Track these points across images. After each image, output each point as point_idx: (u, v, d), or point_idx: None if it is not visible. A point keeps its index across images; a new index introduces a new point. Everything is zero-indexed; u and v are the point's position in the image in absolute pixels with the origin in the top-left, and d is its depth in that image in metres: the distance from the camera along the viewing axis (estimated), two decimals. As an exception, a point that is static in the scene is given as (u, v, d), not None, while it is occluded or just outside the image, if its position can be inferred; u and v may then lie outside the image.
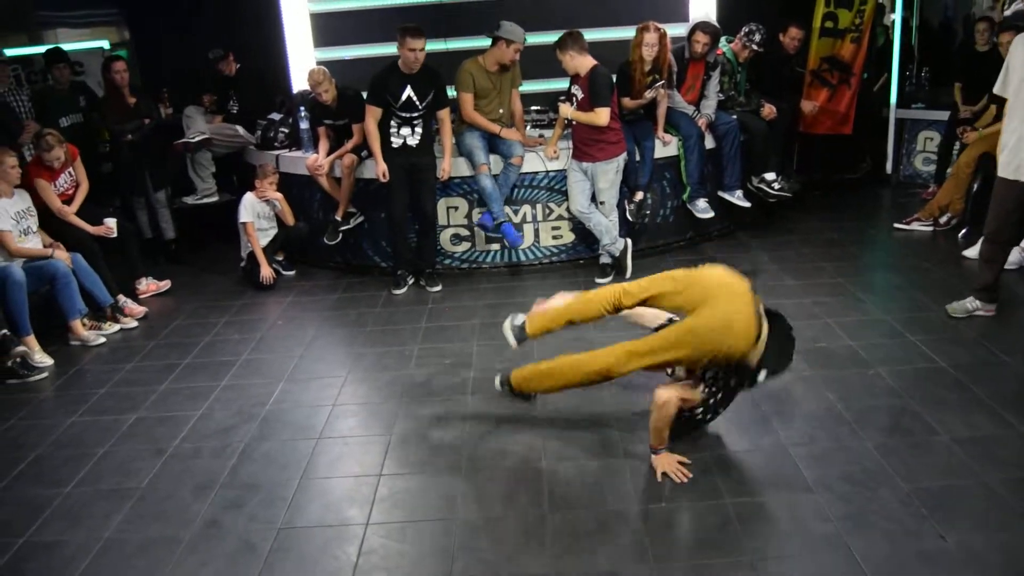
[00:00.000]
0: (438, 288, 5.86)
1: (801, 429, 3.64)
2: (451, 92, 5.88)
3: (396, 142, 5.67)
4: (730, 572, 2.76)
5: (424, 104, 5.60)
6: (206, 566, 2.99)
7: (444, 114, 5.78)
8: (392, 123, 5.65)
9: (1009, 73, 4.46)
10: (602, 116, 5.43)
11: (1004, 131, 4.55)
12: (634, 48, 5.69)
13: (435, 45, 6.82)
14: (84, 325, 5.28)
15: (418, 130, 5.65)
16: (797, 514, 3.04)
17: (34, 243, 5.25)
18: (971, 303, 4.73)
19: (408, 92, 5.53)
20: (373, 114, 5.61)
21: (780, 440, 3.55)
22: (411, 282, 5.99)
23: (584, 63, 5.44)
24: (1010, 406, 3.70)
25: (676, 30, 6.18)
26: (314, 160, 6.09)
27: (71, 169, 5.74)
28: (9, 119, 6.26)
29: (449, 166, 5.78)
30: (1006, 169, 4.49)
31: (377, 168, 5.65)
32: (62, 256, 5.24)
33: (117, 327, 5.47)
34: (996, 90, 4.59)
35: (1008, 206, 4.54)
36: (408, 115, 5.60)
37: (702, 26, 6.03)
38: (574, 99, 5.55)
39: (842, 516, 3.00)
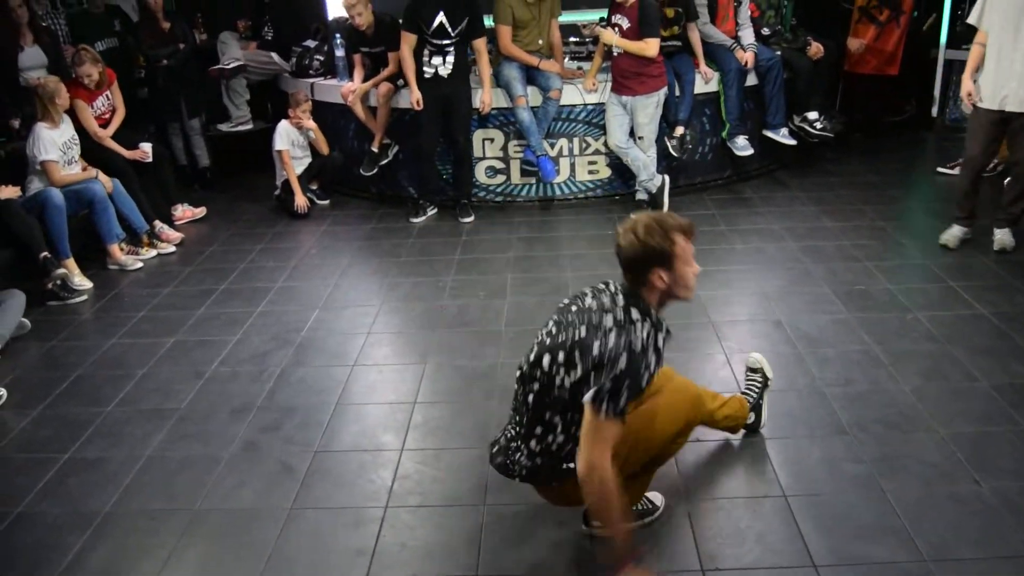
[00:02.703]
0: (470, 219, 5.84)
1: (837, 371, 3.61)
2: (489, 22, 5.77)
3: (428, 71, 5.60)
4: (762, 507, 2.78)
5: (456, 32, 5.49)
6: (244, 485, 3.06)
7: (480, 44, 5.67)
8: (425, 51, 5.57)
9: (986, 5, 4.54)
10: (652, 47, 5.31)
11: (976, 59, 4.63)
12: None
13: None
14: (122, 250, 5.34)
15: (450, 59, 5.56)
16: (831, 455, 3.04)
17: (75, 171, 5.28)
18: (959, 231, 4.94)
19: (440, 18, 5.43)
20: (407, 41, 5.54)
21: (815, 381, 3.53)
22: (432, 212, 5.98)
23: None
24: (1051, 354, 3.65)
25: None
26: (349, 88, 6.04)
27: (108, 93, 5.74)
28: (51, 44, 6.24)
29: (489, 98, 5.70)
30: (989, 101, 4.59)
31: (412, 96, 5.60)
32: (104, 181, 5.27)
33: (154, 252, 5.52)
34: (971, 20, 4.69)
35: (991, 134, 4.68)
36: (440, 43, 5.50)
37: None
38: (617, 29, 5.42)
39: (876, 458, 2.99)
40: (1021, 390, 3.40)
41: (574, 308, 2.42)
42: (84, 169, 5.32)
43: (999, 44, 4.48)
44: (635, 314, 2.29)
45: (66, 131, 5.23)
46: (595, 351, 2.26)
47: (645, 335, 2.26)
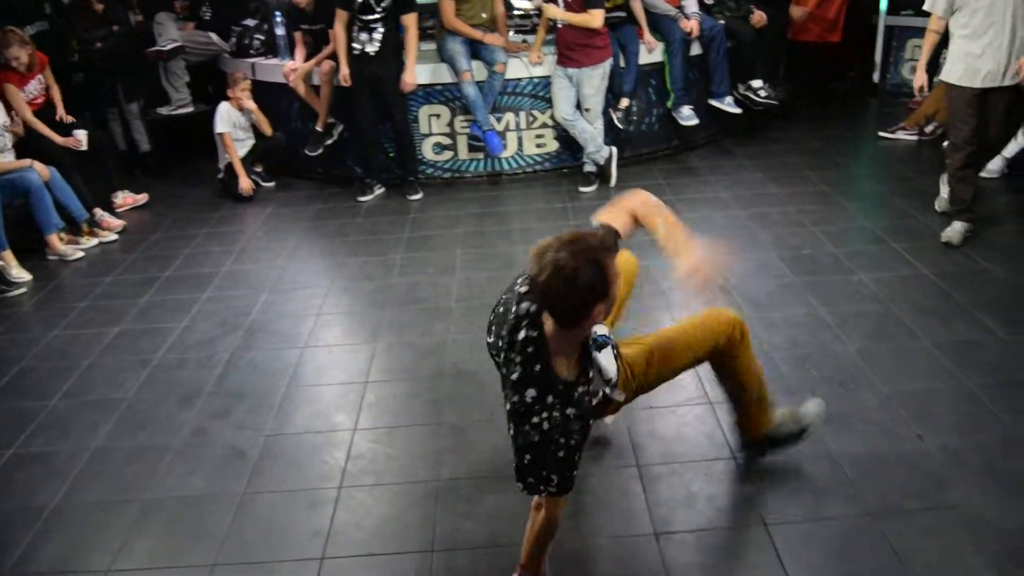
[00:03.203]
0: (418, 196, 5.80)
1: (784, 334, 3.67)
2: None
3: (356, 48, 5.54)
4: (713, 470, 2.82)
5: (381, 7, 5.41)
6: (195, 472, 3.02)
7: (409, 19, 5.57)
8: (354, 28, 5.49)
9: None
10: (597, 18, 5.29)
11: (931, 46, 4.54)
12: None
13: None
14: (61, 239, 5.20)
15: (376, 36, 5.48)
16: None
17: (8, 159, 5.11)
18: (960, 225, 4.58)
19: None
20: (340, 17, 5.48)
21: (763, 345, 3.57)
22: (379, 191, 5.93)
23: None
24: (990, 312, 3.74)
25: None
26: (291, 67, 5.94)
27: (41, 77, 5.57)
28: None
29: (412, 77, 5.62)
30: (966, 79, 4.37)
31: (340, 71, 5.54)
32: (40, 169, 5.11)
33: (95, 241, 5.39)
34: (926, 7, 4.56)
35: (973, 111, 4.45)
36: (366, 19, 5.43)
37: None
38: (561, 1, 5.39)
39: (822, 417, 3.04)
40: (962, 347, 3.49)
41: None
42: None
43: (974, 21, 4.28)
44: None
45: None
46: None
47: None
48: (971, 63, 4.33)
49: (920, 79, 4.58)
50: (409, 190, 5.84)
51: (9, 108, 5.27)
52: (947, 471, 2.75)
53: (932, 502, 2.61)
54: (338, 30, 5.53)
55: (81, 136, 5.56)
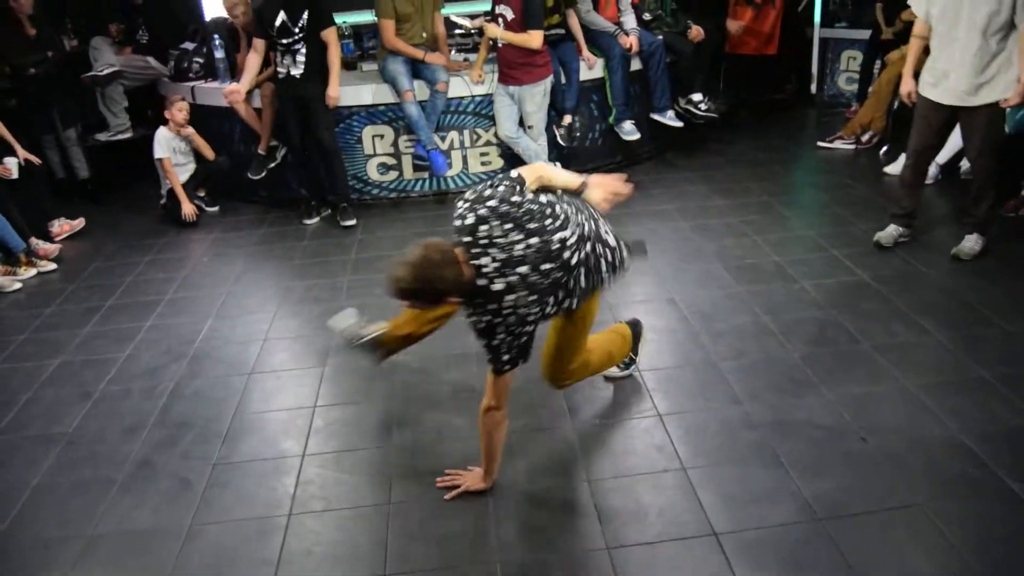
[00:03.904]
0: (352, 222, 5.66)
1: (730, 343, 3.72)
2: (370, 17, 5.68)
3: (280, 72, 5.51)
4: (662, 481, 2.84)
5: (298, 27, 5.39)
6: (141, 505, 2.95)
7: (328, 35, 5.50)
8: (277, 52, 5.47)
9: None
10: (536, 39, 5.33)
11: (916, 53, 4.44)
12: None
13: (355, -33, 6.60)
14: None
15: (300, 58, 5.44)
16: (726, 425, 3.13)
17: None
18: (895, 230, 4.69)
19: (282, 17, 5.34)
20: (256, 47, 5.50)
21: (710, 355, 3.63)
22: (325, 213, 5.88)
23: None
24: (928, 315, 3.84)
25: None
26: (231, 89, 5.88)
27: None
28: None
29: (335, 91, 5.57)
30: (931, 90, 4.34)
31: (239, 88, 5.63)
32: None
33: (33, 271, 5.25)
34: (913, 9, 4.43)
35: (934, 124, 4.43)
36: (287, 42, 5.40)
37: None
38: (500, 20, 5.43)
39: (769, 423, 3.10)
40: (901, 349, 3.58)
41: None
42: None
43: (939, 31, 4.24)
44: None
45: None
46: None
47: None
48: (936, 75, 4.28)
49: (907, 85, 4.46)
50: (343, 216, 5.70)
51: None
52: (892, 473, 2.81)
53: (879, 504, 2.66)
54: (251, 58, 5.54)
55: (11, 164, 5.42)
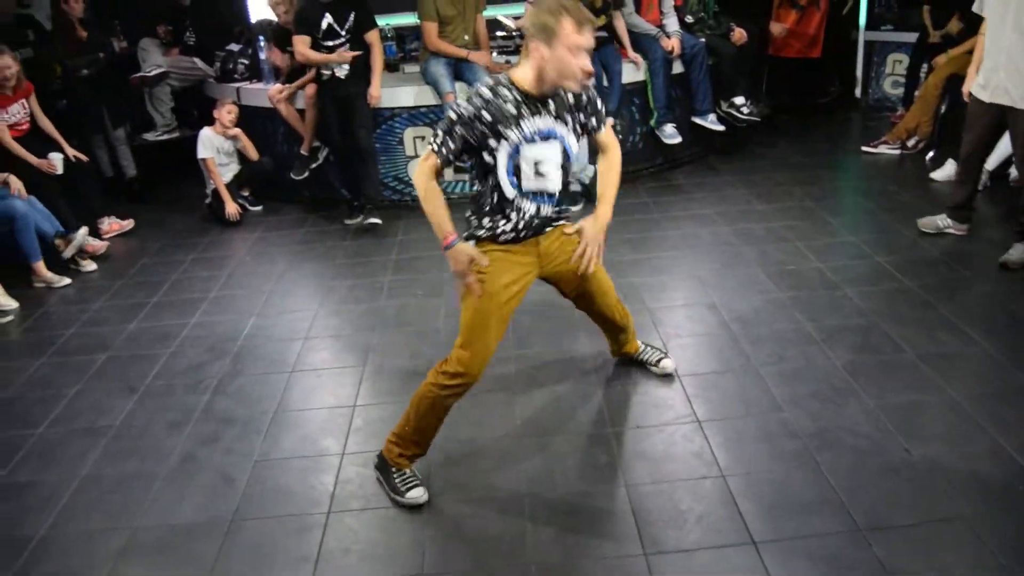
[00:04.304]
0: (375, 221, 5.67)
1: (771, 350, 3.68)
2: (413, 19, 5.71)
3: (325, 74, 5.55)
4: (701, 488, 2.82)
5: (345, 29, 5.44)
6: (184, 499, 3.00)
7: (372, 36, 5.60)
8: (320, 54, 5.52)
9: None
10: None
11: (981, 51, 4.40)
12: None
13: (398, -30, 6.66)
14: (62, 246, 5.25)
15: None
16: (766, 432, 3.10)
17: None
18: (942, 220, 4.76)
19: (328, 20, 5.39)
20: (303, 42, 5.47)
21: (750, 361, 3.60)
22: (370, 215, 5.90)
23: None
24: (974, 324, 3.78)
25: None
26: (276, 91, 5.96)
27: (25, 102, 5.56)
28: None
29: (377, 92, 5.64)
30: (982, 91, 4.37)
31: (338, 58, 5.47)
32: (15, 184, 5.12)
33: (93, 266, 5.38)
34: (975, 8, 4.48)
35: (983, 125, 4.45)
36: (333, 44, 5.45)
37: None
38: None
39: (810, 432, 3.06)
40: (946, 358, 3.52)
41: None
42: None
43: (990, 32, 4.27)
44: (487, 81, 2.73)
45: None
46: None
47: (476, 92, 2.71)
48: (986, 75, 4.30)
49: (968, 84, 4.51)
50: (368, 214, 5.71)
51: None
52: (935, 483, 2.76)
53: (921, 516, 2.62)
54: (305, 51, 5.49)
55: (56, 159, 5.54)
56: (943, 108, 6.24)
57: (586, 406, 3.37)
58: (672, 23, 6.15)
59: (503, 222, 2.85)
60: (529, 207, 2.81)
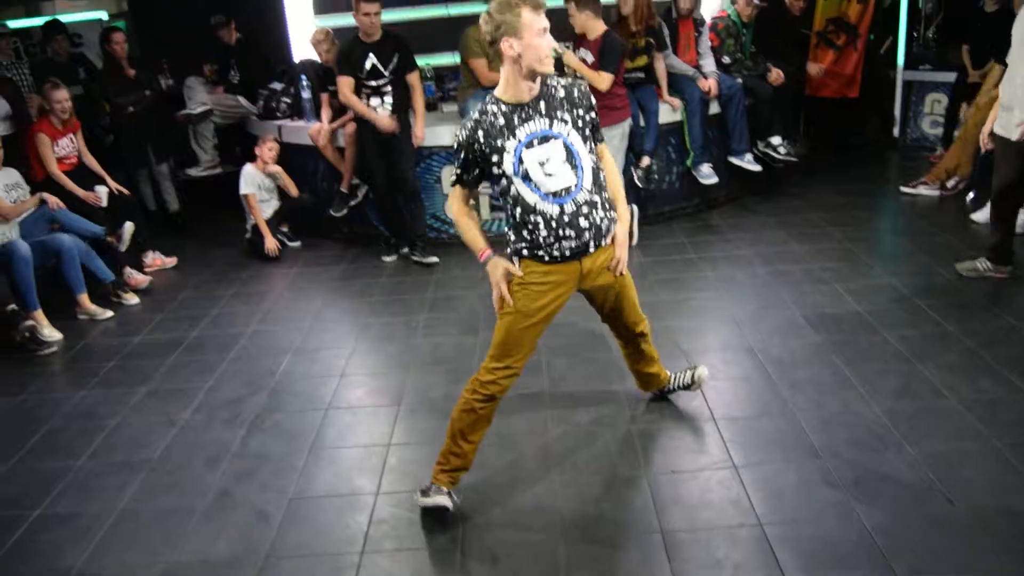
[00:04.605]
0: (433, 260, 5.77)
1: (809, 395, 3.64)
2: (454, 59, 5.79)
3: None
4: (738, 536, 2.79)
5: (390, 70, 5.53)
6: (220, 536, 3.02)
7: (413, 78, 5.68)
8: (362, 94, 5.59)
9: (1013, 39, 4.42)
10: (604, 81, 5.36)
11: (1001, 91, 4.55)
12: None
13: (437, 11, 6.78)
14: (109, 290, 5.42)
15: (388, 99, 5.58)
16: (805, 480, 3.05)
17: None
18: (981, 263, 4.73)
19: (372, 60, 5.47)
20: (347, 84, 5.55)
21: (787, 406, 3.56)
22: (403, 251, 5.96)
23: (598, 26, 5.36)
24: (1017, 370, 3.70)
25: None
26: (317, 129, 6.06)
27: (73, 136, 5.73)
28: (13, 93, 6.22)
29: (422, 131, 5.71)
30: (1002, 130, 4.49)
31: (380, 124, 5.52)
32: (52, 201, 5.29)
33: (136, 300, 5.50)
34: (1008, 59, 4.53)
35: (1010, 164, 4.52)
36: (376, 84, 5.54)
37: None
38: (580, 53, 5.50)
39: (850, 481, 3.01)
40: (990, 405, 3.45)
41: None
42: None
43: (1009, 70, 4.43)
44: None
45: (4, 176, 5.24)
46: None
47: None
48: (1002, 113, 4.41)
49: (987, 126, 4.68)
50: (421, 253, 5.80)
51: (34, 160, 5.43)
52: (979, 537, 2.70)
53: (965, 570, 2.56)
54: (348, 94, 5.56)
55: (101, 192, 5.69)
56: (984, 149, 6.17)
57: (622, 450, 3.35)
58: (709, 63, 6.18)
59: (536, 231, 2.87)
60: (552, 209, 2.83)
